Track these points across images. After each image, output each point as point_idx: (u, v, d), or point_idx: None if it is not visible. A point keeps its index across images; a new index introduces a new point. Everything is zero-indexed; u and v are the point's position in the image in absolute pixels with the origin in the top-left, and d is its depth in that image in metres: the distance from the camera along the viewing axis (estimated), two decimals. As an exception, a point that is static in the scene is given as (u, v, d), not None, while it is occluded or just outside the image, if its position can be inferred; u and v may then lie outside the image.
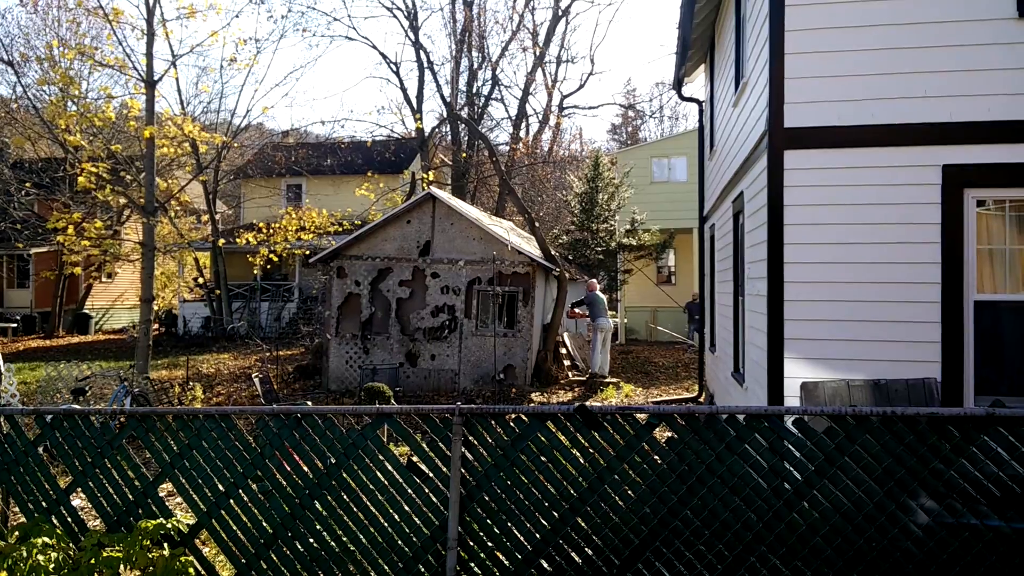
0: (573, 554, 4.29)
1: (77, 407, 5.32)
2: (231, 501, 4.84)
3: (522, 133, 32.88)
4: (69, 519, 5.21)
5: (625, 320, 24.44)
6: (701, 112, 13.22)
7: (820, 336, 5.84)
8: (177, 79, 26.44)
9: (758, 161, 6.67)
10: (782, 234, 5.92)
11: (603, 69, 61.33)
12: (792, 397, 5.71)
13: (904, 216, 5.72)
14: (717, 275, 11.01)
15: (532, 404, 13.52)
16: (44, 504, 5.24)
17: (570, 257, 22.57)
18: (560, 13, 32.27)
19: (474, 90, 32.21)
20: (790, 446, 4.03)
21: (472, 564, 4.43)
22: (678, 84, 12.94)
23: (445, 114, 30.20)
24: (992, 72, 5.62)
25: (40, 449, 5.41)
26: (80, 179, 14.76)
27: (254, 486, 4.82)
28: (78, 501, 6.12)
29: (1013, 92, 5.57)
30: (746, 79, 7.55)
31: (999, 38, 5.60)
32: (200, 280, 27.08)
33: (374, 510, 4.60)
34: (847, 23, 5.88)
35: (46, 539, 4.78)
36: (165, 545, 4.82)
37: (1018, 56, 5.57)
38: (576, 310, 17.12)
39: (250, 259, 23.43)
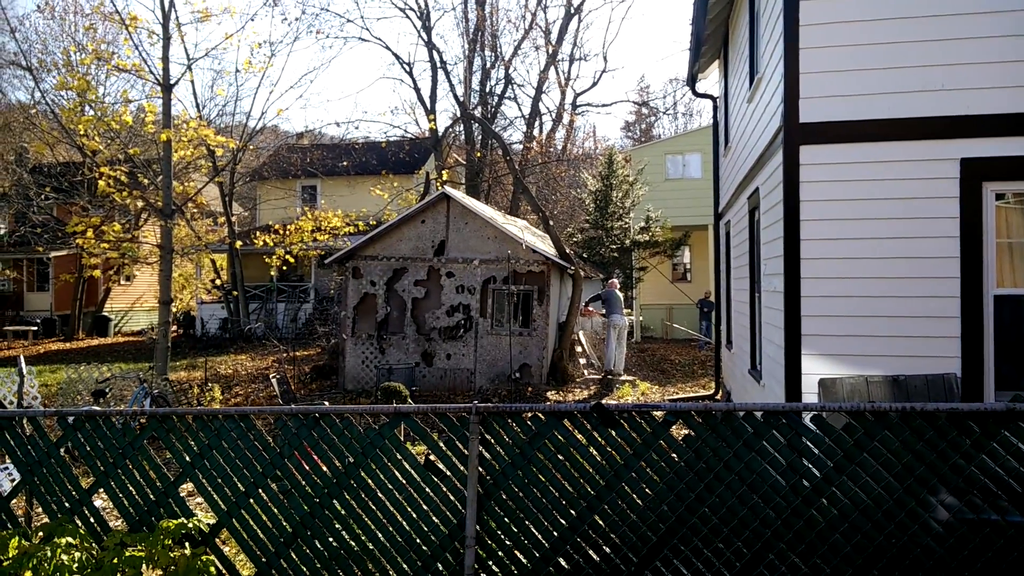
0: (591, 552, 4.29)
1: (98, 408, 5.38)
2: (251, 500, 4.87)
3: (536, 131, 32.88)
4: (92, 519, 5.27)
5: (640, 318, 24.38)
6: (715, 108, 13.16)
7: (838, 332, 5.81)
8: (193, 82, 26.77)
9: (773, 157, 6.64)
10: (799, 230, 5.89)
11: (616, 66, 61.31)
12: (810, 394, 5.68)
13: (922, 210, 5.67)
14: (733, 272, 10.97)
15: (548, 403, 13.53)
16: (67, 504, 5.31)
17: (585, 255, 22.55)
18: (573, 11, 32.23)
19: (487, 89, 32.24)
20: (808, 443, 4.01)
21: (490, 562, 4.45)
22: (692, 80, 12.90)
23: (458, 114, 30.24)
24: (1010, 64, 5.56)
25: (62, 450, 5.47)
26: (100, 183, 14.92)
27: (273, 485, 4.86)
28: (100, 501, 6.20)
29: (1032, 84, 5.51)
30: (760, 74, 7.51)
31: (1016, 30, 5.55)
32: (217, 282, 27.28)
33: (392, 509, 4.63)
34: (862, 17, 5.84)
35: (69, 539, 4.84)
36: (186, 544, 4.87)
37: (1036, 47, 5.51)
38: (589, 307, 17.10)
39: (266, 260, 23.59)
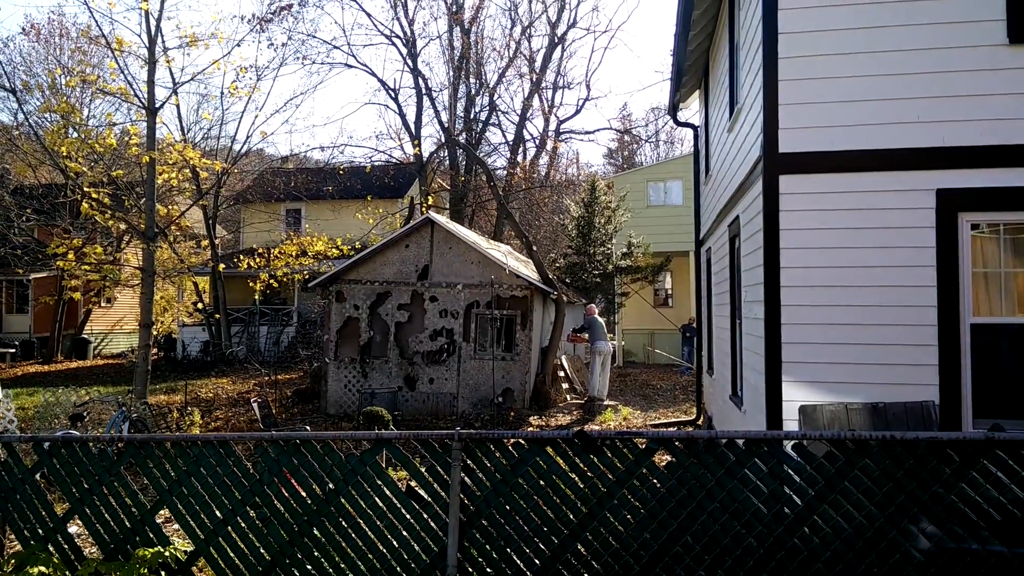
0: (573, 580, 4.27)
1: (75, 433, 5.31)
2: (229, 528, 4.82)
3: (519, 158, 33.06)
4: (66, 547, 5.18)
5: (623, 343, 24.43)
6: (696, 137, 13.32)
7: (818, 359, 5.85)
8: (178, 106, 26.59)
9: (753, 186, 6.72)
10: (778, 258, 5.94)
11: (599, 94, 62.11)
12: (791, 421, 5.71)
13: (899, 240, 5.75)
14: (714, 298, 11.04)
15: (531, 428, 13.48)
16: (41, 532, 5.22)
17: (567, 280, 22.62)
18: (556, 40, 32.60)
19: (472, 116, 32.44)
20: (790, 471, 4.03)
21: (471, 591, 4.41)
22: (673, 109, 13.05)
23: (443, 139, 30.41)
24: (984, 97, 5.69)
25: (37, 476, 5.39)
26: (83, 206, 14.81)
27: (252, 513, 4.81)
28: (75, 528, 6.08)
29: (1005, 117, 5.63)
30: (740, 105, 7.63)
31: (991, 64, 5.67)
32: (199, 305, 27.07)
33: (373, 536, 4.59)
34: (841, 50, 5.96)
35: (42, 568, 4.76)
36: (163, 573, 4.79)
37: (1010, 81, 5.64)
38: (577, 335, 17.13)
39: (250, 284, 23.45)
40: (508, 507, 4.40)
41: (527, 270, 16.63)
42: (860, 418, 5.27)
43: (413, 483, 4.67)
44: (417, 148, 27.57)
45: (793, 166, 5.98)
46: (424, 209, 19.29)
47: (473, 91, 32.33)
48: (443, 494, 4.50)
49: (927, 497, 3.82)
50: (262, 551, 4.74)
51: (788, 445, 4.18)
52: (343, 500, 4.65)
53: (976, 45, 5.71)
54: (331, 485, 4.68)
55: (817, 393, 5.76)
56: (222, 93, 28.01)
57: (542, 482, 4.37)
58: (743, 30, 7.54)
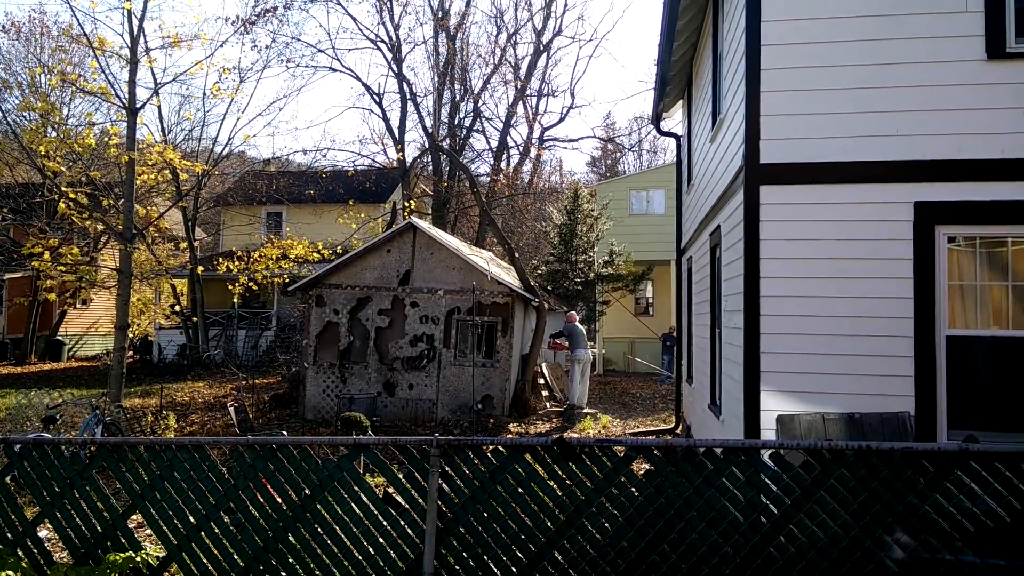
0: (550, 588, 4.25)
1: (47, 436, 5.23)
2: (202, 533, 4.76)
3: (503, 164, 33.10)
4: (35, 551, 5.10)
5: (603, 351, 24.48)
6: (679, 146, 13.39)
7: (796, 369, 5.89)
8: (159, 107, 26.39)
9: (735, 196, 6.77)
10: (758, 267, 5.98)
11: (583, 103, 62.24)
12: (768, 430, 5.73)
13: (877, 251, 5.81)
14: (694, 307, 11.09)
15: (510, 435, 13.45)
16: (10, 536, 5.13)
17: (549, 288, 22.64)
18: (541, 48, 32.69)
19: (456, 121, 32.42)
20: (767, 480, 4.04)
21: (448, 599, 4.38)
22: (656, 119, 13.13)
23: (427, 145, 30.35)
24: (962, 112, 5.76)
25: (7, 479, 5.30)
26: (60, 205, 14.63)
27: (226, 518, 4.75)
28: (45, 532, 5.98)
29: (983, 131, 5.71)
30: (723, 115, 7.68)
31: (969, 79, 5.76)
32: (177, 307, 26.79)
33: (349, 543, 4.55)
34: (822, 63, 6.02)
35: (10, 572, 4.67)
36: (134, 579, 4.72)
37: (987, 96, 5.73)
38: (557, 341, 17.15)
39: (229, 287, 23.25)
40: (486, 514, 4.38)
41: (509, 277, 16.62)
42: (836, 428, 5.30)
43: (391, 489, 4.64)
44: (400, 153, 27.55)
45: (774, 177, 6.02)
46: (406, 214, 19.23)
47: (458, 97, 32.35)
48: (421, 500, 4.47)
49: (902, 507, 3.84)
50: (236, 557, 4.68)
51: (765, 454, 4.19)
52: (319, 506, 4.61)
53: (955, 60, 5.79)
54: (307, 491, 4.64)
55: (795, 402, 5.79)
56: (204, 94, 27.82)
57: (520, 489, 4.35)
58: (726, 41, 7.60)
